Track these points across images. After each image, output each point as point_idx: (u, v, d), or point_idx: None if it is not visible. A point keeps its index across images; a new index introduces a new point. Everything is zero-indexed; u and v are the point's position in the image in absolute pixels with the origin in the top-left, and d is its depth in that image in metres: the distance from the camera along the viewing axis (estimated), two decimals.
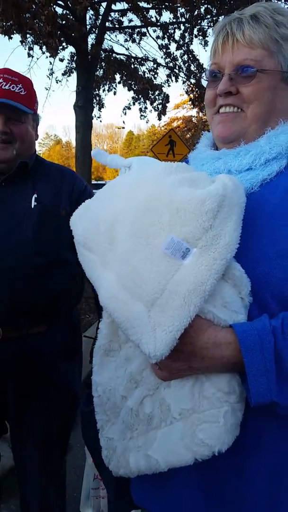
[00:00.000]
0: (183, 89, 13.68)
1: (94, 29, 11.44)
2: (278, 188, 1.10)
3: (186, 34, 12.16)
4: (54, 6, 9.20)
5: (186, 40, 12.33)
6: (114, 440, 1.15)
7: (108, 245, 1.02)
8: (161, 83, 13.32)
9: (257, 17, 1.15)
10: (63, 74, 12.68)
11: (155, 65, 13.06)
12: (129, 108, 13.78)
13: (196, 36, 12.10)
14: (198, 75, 12.83)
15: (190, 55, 12.65)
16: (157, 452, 1.05)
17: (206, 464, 1.01)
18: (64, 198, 2.04)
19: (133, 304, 0.95)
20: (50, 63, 12.69)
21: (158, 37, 12.41)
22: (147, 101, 13.35)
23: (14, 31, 9.27)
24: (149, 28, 12.10)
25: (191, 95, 13.70)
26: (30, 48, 11.12)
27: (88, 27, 10.89)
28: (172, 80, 13.16)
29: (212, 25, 11.59)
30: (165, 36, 12.30)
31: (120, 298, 0.97)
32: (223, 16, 10.65)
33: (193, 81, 13.08)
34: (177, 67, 12.98)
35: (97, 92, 13.17)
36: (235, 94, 1.17)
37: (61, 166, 2.26)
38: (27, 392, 2.00)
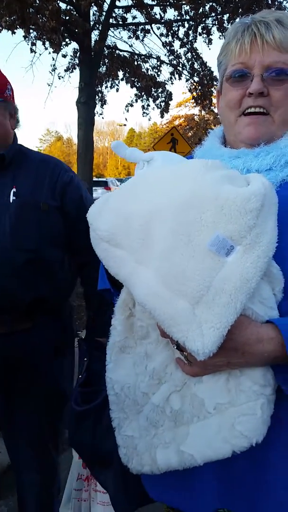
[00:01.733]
0: (186, 87, 13.67)
1: (97, 26, 11.42)
2: None
3: (190, 32, 12.16)
4: (58, 2, 9.19)
5: (190, 38, 12.33)
6: (135, 437, 1.15)
7: (143, 241, 1.01)
8: (164, 80, 13.31)
9: (281, 22, 1.16)
10: (65, 70, 12.67)
11: (158, 63, 13.06)
12: (131, 105, 13.74)
13: (200, 34, 12.11)
14: (202, 73, 12.80)
15: (194, 53, 12.64)
16: (192, 447, 1.05)
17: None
18: (46, 191, 1.97)
19: (176, 301, 0.94)
20: (53, 59, 12.69)
21: (162, 34, 12.41)
22: (149, 98, 13.34)
23: (17, 26, 9.24)
24: (153, 25, 12.08)
25: (194, 93, 13.67)
26: (33, 44, 11.09)
27: (91, 23, 10.87)
28: (175, 78, 13.15)
29: (216, 23, 11.58)
30: (169, 33, 12.30)
31: (162, 295, 0.96)
32: (227, 15, 10.73)
33: (196, 79, 13.05)
34: (180, 65, 12.97)
35: (100, 88, 13.15)
36: (266, 96, 1.17)
37: (46, 157, 2.16)
38: (15, 389, 1.97)
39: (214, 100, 10.36)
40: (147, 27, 12.29)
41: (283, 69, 1.15)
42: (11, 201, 1.87)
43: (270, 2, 10.57)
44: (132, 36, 12.51)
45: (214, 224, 0.94)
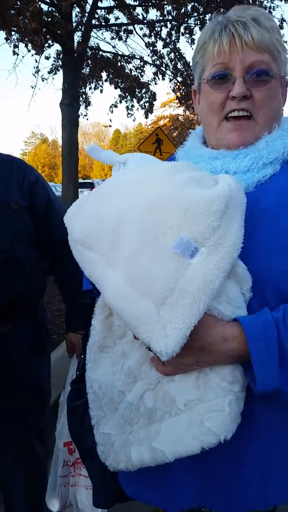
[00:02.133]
0: (170, 87, 13.70)
1: (80, 27, 11.41)
2: (273, 189, 1.14)
3: (173, 32, 12.20)
4: (40, 3, 9.16)
5: (173, 38, 12.38)
6: (112, 435, 1.16)
7: (113, 244, 1.02)
8: (148, 81, 13.35)
9: (258, 21, 1.15)
10: (49, 72, 12.66)
11: (141, 63, 13.08)
12: (115, 106, 13.75)
13: (183, 34, 12.14)
14: (185, 73, 12.84)
15: (177, 53, 12.68)
16: (163, 444, 1.06)
17: (202, 452, 1.04)
18: (14, 190, 1.94)
19: (142, 303, 0.96)
20: (36, 61, 12.63)
21: (144, 35, 12.43)
22: (134, 99, 13.36)
23: None
24: (135, 25, 12.09)
25: (178, 93, 13.71)
26: (16, 46, 11.05)
27: (74, 24, 10.84)
28: (159, 78, 13.21)
29: (198, 23, 11.62)
30: (152, 34, 12.32)
31: (128, 296, 0.97)
32: (209, 15, 10.78)
33: (180, 79, 13.09)
34: (163, 65, 13.01)
35: (84, 90, 13.13)
36: (248, 98, 1.16)
37: (10, 157, 2.12)
38: None
39: None
40: (130, 27, 12.32)
41: (264, 70, 1.15)
42: None
43: (251, 2, 10.63)
44: (115, 37, 12.54)
45: (178, 227, 0.96)
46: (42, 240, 2.02)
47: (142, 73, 13.13)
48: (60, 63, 11.99)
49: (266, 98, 1.17)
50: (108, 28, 12.33)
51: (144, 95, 13.33)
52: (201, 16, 11.34)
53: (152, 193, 1.01)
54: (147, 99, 13.37)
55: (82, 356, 1.59)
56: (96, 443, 1.21)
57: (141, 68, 13.10)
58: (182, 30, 11.99)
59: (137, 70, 13.11)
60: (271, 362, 0.97)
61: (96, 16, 11.53)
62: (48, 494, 2.00)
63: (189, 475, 1.14)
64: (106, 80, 13.09)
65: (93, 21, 11.31)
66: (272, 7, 11.43)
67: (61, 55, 11.40)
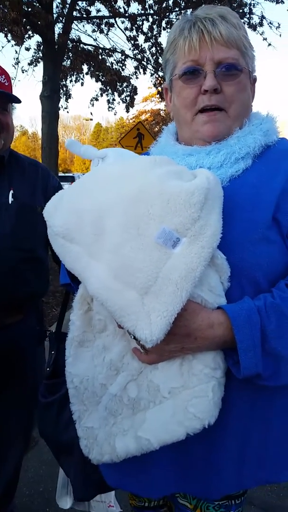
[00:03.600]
0: (151, 81, 13.66)
1: (61, 18, 11.27)
2: (246, 184, 1.18)
3: (155, 26, 12.13)
4: None
5: (155, 33, 12.31)
6: (94, 428, 1.18)
7: (95, 236, 1.04)
8: (129, 75, 13.27)
9: (225, 18, 1.20)
10: (29, 64, 12.47)
11: (123, 57, 13.00)
12: (96, 100, 13.64)
13: (164, 29, 12.10)
14: None
15: (158, 48, 12.61)
16: (148, 432, 1.09)
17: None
18: (38, 194, 2.04)
19: (126, 293, 0.99)
20: (16, 52, 12.45)
21: (126, 28, 12.35)
22: (115, 92, 13.27)
23: None
24: (117, 19, 12.00)
25: (159, 88, 13.68)
26: None
27: (55, 15, 10.70)
28: (140, 72, 13.15)
29: (180, 17, 11.57)
30: (133, 27, 12.24)
31: (113, 287, 1.00)
32: (191, 10, 10.78)
33: (161, 74, 13.04)
34: (145, 59, 12.95)
35: (64, 82, 12.99)
36: (219, 93, 1.20)
37: (34, 161, 2.24)
38: (4, 380, 2.03)
39: None
40: (111, 20, 12.21)
41: (233, 64, 1.19)
42: (10, 202, 1.91)
43: None
44: (96, 29, 12.40)
45: (161, 218, 0.99)
46: None
47: (123, 67, 13.07)
48: (41, 54, 11.83)
49: (236, 91, 1.21)
50: (89, 21, 12.20)
51: (125, 89, 13.26)
52: (182, 11, 11.31)
53: (134, 186, 1.04)
54: (128, 93, 13.31)
55: (52, 352, 1.60)
56: (77, 437, 1.22)
57: (123, 62, 13.03)
58: (163, 24, 11.94)
59: (118, 64, 13.03)
60: (255, 348, 1.02)
61: (77, 7, 11.42)
62: (58, 492, 2.01)
63: (167, 462, 1.18)
64: (87, 73, 12.97)
65: (74, 13, 11.18)
66: (252, 4, 11.47)
67: (42, 46, 11.26)
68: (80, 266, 1.07)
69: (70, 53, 12.30)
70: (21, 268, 1.93)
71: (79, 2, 11.30)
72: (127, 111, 13.76)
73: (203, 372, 1.07)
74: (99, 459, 1.17)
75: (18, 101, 1.99)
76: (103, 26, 12.35)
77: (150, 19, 12.07)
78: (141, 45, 12.71)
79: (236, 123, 1.23)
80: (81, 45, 12.43)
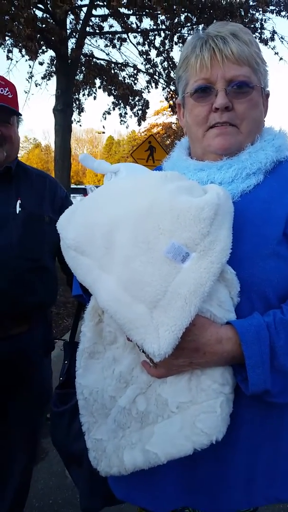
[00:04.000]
0: (163, 95, 13.75)
1: (74, 34, 11.42)
2: (257, 199, 1.18)
3: (166, 41, 12.23)
4: (34, 9, 9.16)
5: (166, 47, 12.40)
6: (103, 440, 1.18)
7: (106, 249, 1.05)
8: (141, 89, 13.37)
9: (237, 36, 1.20)
10: (42, 78, 12.64)
11: (135, 71, 13.12)
12: (109, 113, 13.78)
13: (176, 44, 12.18)
14: None
15: (170, 62, 12.71)
16: (156, 446, 1.09)
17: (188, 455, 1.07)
18: (46, 204, 2.06)
19: (135, 306, 0.99)
20: (30, 66, 12.66)
21: (138, 43, 12.46)
22: (127, 106, 13.38)
23: None
24: (129, 34, 12.14)
25: (171, 102, 13.77)
26: (9, 51, 11.03)
27: (68, 31, 10.86)
28: (152, 86, 13.22)
29: (192, 33, 11.69)
30: (145, 42, 12.35)
31: (122, 300, 1.00)
32: (202, 25, 10.88)
33: (173, 88, 13.13)
34: (157, 74, 13.04)
35: (77, 96, 13.14)
36: (231, 110, 1.20)
37: (42, 172, 2.27)
38: (10, 390, 2.03)
39: None
40: (124, 35, 12.35)
41: (244, 82, 1.20)
42: (17, 212, 1.94)
43: (243, 13, 10.74)
44: (108, 44, 12.56)
45: (170, 232, 1.00)
46: None
47: (136, 81, 13.18)
48: (54, 69, 11.99)
49: (248, 109, 1.21)
50: (102, 36, 12.36)
51: (137, 102, 13.37)
52: (194, 26, 11.40)
53: (145, 201, 1.05)
54: (140, 106, 13.41)
55: (65, 362, 1.61)
56: (86, 449, 1.23)
57: (135, 76, 13.15)
58: (175, 39, 12.02)
59: (131, 78, 13.16)
60: (263, 365, 1.01)
61: (90, 23, 11.56)
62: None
63: (176, 476, 1.17)
64: (99, 87, 13.12)
65: (87, 29, 11.34)
66: (264, 19, 11.55)
67: (55, 61, 11.40)
68: (91, 279, 1.08)
69: (83, 67, 12.46)
70: (28, 278, 1.94)
71: (92, 18, 11.46)
72: (139, 124, 13.86)
73: (211, 387, 1.07)
74: (107, 471, 1.18)
75: (18, 114, 2.02)
76: (115, 41, 12.51)
77: (162, 34, 12.18)
78: (153, 59, 12.81)
79: (248, 139, 1.23)
80: (94, 59, 12.58)
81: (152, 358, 1.02)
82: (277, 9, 11.26)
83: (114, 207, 1.09)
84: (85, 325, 1.25)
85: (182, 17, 10.97)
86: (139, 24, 11.80)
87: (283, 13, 11.29)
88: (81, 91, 13.23)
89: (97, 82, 12.97)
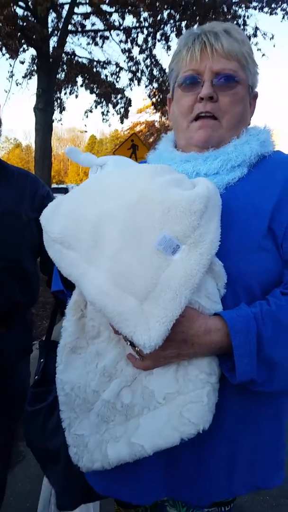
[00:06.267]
0: (146, 93, 13.72)
1: (56, 32, 11.33)
2: (241, 192, 1.20)
3: (149, 39, 12.23)
4: (15, 7, 9.04)
5: (149, 45, 12.40)
6: (85, 435, 1.18)
7: (94, 243, 1.04)
8: (124, 87, 13.34)
9: (229, 33, 1.24)
10: (23, 77, 12.51)
11: (117, 69, 13.07)
12: (91, 111, 13.69)
13: (159, 41, 12.20)
14: (161, 79, 12.88)
15: (152, 59, 12.71)
16: (142, 438, 1.09)
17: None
18: (26, 203, 2.00)
19: (125, 299, 0.99)
20: (10, 65, 12.46)
21: (121, 41, 12.44)
22: (109, 104, 13.32)
23: None
24: (112, 31, 12.07)
25: (154, 100, 13.74)
26: None
27: (50, 29, 10.76)
28: (134, 84, 13.22)
29: (174, 30, 11.69)
30: (128, 40, 12.33)
31: (111, 294, 1.00)
32: (185, 22, 10.88)
33: (155, 85, 13.11)
34: (139, 71, 13.01)
35: (58, 95, 13.03)
36: (215, 102, 1.23)
37: (23, 171, 2.20)
38: None
39: None
40: (106, 33, 12.29)
41: (231, 75, 1.23)
42: None
43: (226, 10, 10.77)
44: (91, 42, 12.49)
45: (161, 225, 1.01)
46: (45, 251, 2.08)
47: (118, 79, 13.14)
48: (35, 67, 11.87)
49: (231, 102, 1.24)
50: (84, 34, 12.27)
51: (119, 100, 13.32)
52: (177, 23, 11.42)
53: (135, 194, 1.05)
54: (123, 104, 13.36)
55: (41, 360, 1.59)
56: (64, 445, 1.22)
57: (117, 74, 13.10)
58: (158, 36, 12.05)
59: (113, 76, 13.10)
60: (251, 355, 1.03)
61: (72, 21, 11.49)
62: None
63: (157, 467, 1.18)
64: (81, 86, 13.04)
65: (69, 27, 11.25)
66: (246, 16, 11.58)
67: (36, 60, 11.31)
68: (78, 273, 1.07)
69: (64, 66, 12.36)
70: (5, 278, 1.88)
71: (74, 16, 11.37)
72: (122, 122, 13.83)
73: (198, 377, 1.08)
74: (89, 467, 1.17)
75: None
76: (97, 39, 12.44)
77: (145, 31, 12.17)
78: (136, 57, 12.81)
79: (229, 134, 1.26)
80: (76, 58, 12.49)
81: (141, 350, 1.01)
82: (260, 5, 11.34)
83: (103, 200, 1.08)
84: (67, 320, 1.24)
85: (165, 14, 10.98)
86: (121, 22, 11.78)
87: (265, 9, 11.34)
88: (62, 89, 13.12)
89: (79, 80, 12.89)
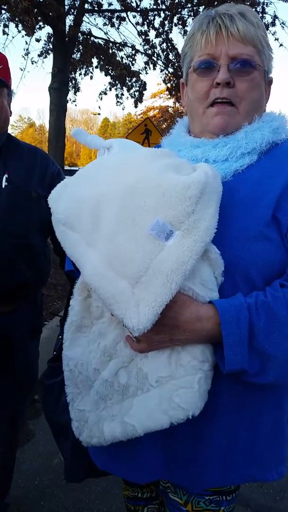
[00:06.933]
0: (161, 77, 13.56)
1: (72, 10, 11.19)
2: (249, 180, 1.19)
3: (166, 22, 12.02)
4: None
5: (166, 28, 12.18)
6: (86, 411, 1.22)
7: (93, 225, 1.06)
8: (139, 70, 13.16)
9: (244, 15, 1.22)
10: (39, 55, 12.39)
11: (133, 51, 12.89)
12: (105, 93, 13.56)
13: (175, 25, 11.99)
14: (176, 64, 12.72)
15: (169, 44, 12.52)
16: (134, 418, 1.12)
17: (168, 429, 1.10)
18: (35, 180, 2.00)
19: (118, 281, 1.01)
20: (26, 43, 12.37)
21: (137, 23, 12.23)
22: (124, 87, 13.18)
23: None
24: (128, 13, 11.91)
25: (169, 85, 13.59)
26: (6, 26, 10.83)
27: (66, 7, 10.63)
28: (150, 68, 13.01)
29: (192, 14, 11.51)
30: (145, 22, 12.12)
31: (106, 275, 1.02)
32: (203, 6, 10.70)
33: (171, 70, 12.96)
34: (155, 55, 12.84)
35: (73, 75, 12.92)
36: (232, 87, 1.21)
37: (34, 147, 2.20)
38: None
39: None
40: (123, 14, 12.11)
41: (247, 60, 1.20)
42: (3, 186, 1.88)
43: None
44: (107, 23, 12.31)
45: (155, 210, 1.01)
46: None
47: (133, 62, 12.95)
48: (51, 46, 11.75)
49: (248, 88, 1.22)
50: (100, 14, 12.12)
51: (134, 83, 13.16)
52: (194, 8, 11.23)
53: (131, 177, 1.06)
54: (137, 88, 13.21)
55: (60, 337, 1.62)
56: (71, 419, 1.26)
57: (133, 56, 12.91)
58: (175, 20, 11.83)
59: (128, 58, 12.93)
60: (241, 344, 1.03)
61: (89, 0, 11.34)
62: None
63: (156, 449, 1.21)
64: (96, 67, 12.88)
65: (86, 5, 11.11)
66: (265, 3, 11.38)
67: (52, 38, 11.18)
68: (78, 253, 1.09)
69: (80, 46, 12.22)
70: (13, 255, 1.88)
71: None
72: (136, 106, 13.68)
73: (190, 363, 1.09)
74: (88, 442, 1.21)
75: (5, 85, 1.94)
76: (114, 19, 12.25)
77: (162, 15, 11.96)
78: (152, 40, 12.61)
79: (246, 120, 1.23)
80: (92, 38, 12.35)
81: (132, 333, 1.04)
82: None
83: (102, 182, 1.10)
84: (74, 299, 1.27)
85: None
86: (138, 3, 11.59)
87: None
88: (77, 70, 12.99)
89: (94, 61, 12.73)
